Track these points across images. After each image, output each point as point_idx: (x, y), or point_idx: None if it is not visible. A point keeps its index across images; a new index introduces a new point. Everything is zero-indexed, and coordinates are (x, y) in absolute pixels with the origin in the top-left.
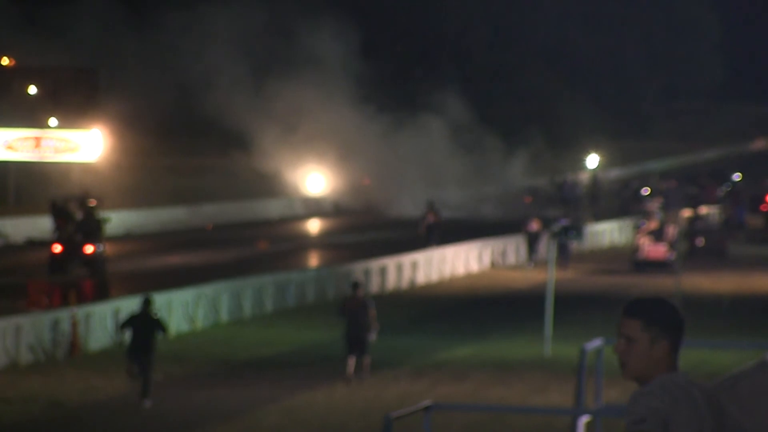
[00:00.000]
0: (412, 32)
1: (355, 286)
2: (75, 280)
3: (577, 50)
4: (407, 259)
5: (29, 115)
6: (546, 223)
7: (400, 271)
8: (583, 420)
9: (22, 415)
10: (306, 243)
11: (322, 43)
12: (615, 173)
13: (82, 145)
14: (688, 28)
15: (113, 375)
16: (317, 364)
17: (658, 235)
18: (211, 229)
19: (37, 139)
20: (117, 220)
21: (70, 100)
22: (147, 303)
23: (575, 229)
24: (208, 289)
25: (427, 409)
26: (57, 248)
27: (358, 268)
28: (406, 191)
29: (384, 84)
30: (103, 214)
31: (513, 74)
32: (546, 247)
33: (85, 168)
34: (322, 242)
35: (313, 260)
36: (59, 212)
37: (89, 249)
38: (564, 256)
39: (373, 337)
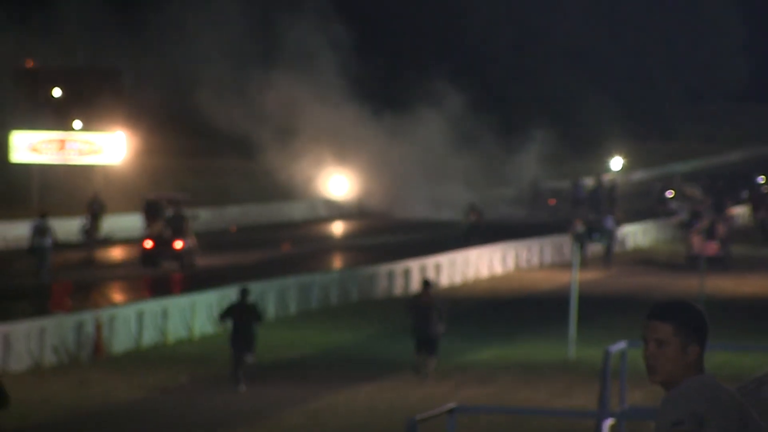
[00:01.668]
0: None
1: (426, 283)
2: (165, 273)
3: (599, 51)
4: (431, 261)
5: (53, 118)
6: (589, 225)
7: (424, 273)
8: (608, 423)
9: (45, 418)
10: (329, 245)
11: (315, 40)
12: (638, 175)
13: (106, 147)
14: (712, 29)
15: (137, 377)
16: (341, 366)
17: (709, 233)
18: (235, 231)
19: (62, 142)
20: (138, 222)
21: (94, 102)
22: (244, 293)
23: (599, 231)
24: (231, 291)
25: (451, 411)
26: (148, 243)
27: (381, 270)
28: (413, 193)
29: (383, 82)
30: (192, 211)
31: (532, 74)
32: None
33: (108, 170)
34: (345, 244)
35: (337, 262)
36: (151, 209)
37: (178, 244)
38: (607, 258)
39: (440, 333)
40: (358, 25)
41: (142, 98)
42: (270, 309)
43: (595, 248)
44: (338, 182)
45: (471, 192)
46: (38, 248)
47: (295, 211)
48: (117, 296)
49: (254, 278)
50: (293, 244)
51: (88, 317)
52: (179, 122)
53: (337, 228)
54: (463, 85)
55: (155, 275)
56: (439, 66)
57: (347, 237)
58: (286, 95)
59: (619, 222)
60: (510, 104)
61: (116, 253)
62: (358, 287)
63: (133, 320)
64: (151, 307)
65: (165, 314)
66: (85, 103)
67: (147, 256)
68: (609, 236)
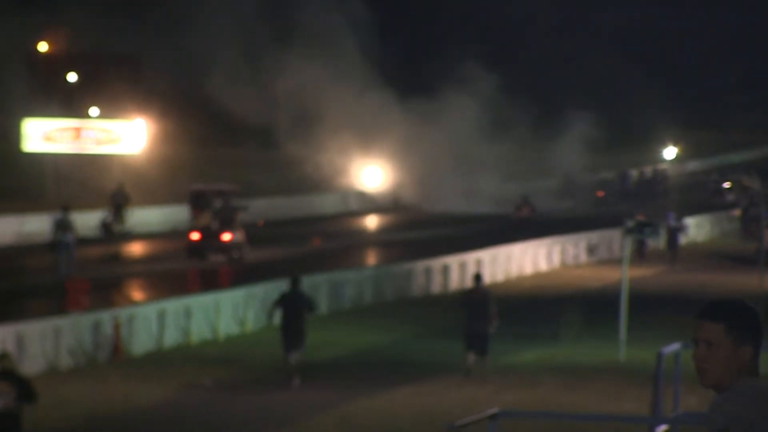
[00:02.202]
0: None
1: (477, 278)
2: (212, 266)
3: (649, 31)
4: (471, 257)
5: (68, 104)
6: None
7: (464, 270)
8: (660, 429)
9: (61, 422)
10: (362, 240)
11: (334, 19)
12: (692, 166)
13: (125, 135)
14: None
15: (158, 380)
16: (375, 368)
17: None
18: (262, 226)
19: (77, 130)
20: (162, 216)
21: (112, 89)
22: (296, 282)
23: (651, 226)
24: (258, 289)
25: (493, 417)
26: (195, 236)
27: (418, 266)
28: (446, 184)
29: (408, 64)
30: (241, 202)
31: (573, 55)
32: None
33: (128, 161)
34: (379, 239)
35: (370, 258)
36: (197, 200)
37: (226, 236)
38: (641, 252)
39: (491, 330)
40: (379, 3)
41: (155, 84)
42: None
43: (651, 244)
44: (371, 173)
45: (507, 183)
46: (60, 244)
47: (325, 204)
48: (137, 294)
49: (283, 275)
50: (324, 239)
51: (106, 317)
52: (194, 109)
53: (371, 222)
54: (495, 66)
55: (203, 268)
56: (469, 46)
57: (381, 231)
58: (306, 80)
59: (681, 216)
60: (548, 87)
61: (136, 248)
62: (394, 285)
63: (153, 320)
64: (173, 305)
65: (188, 313)
66: (102, 89)
67: (194, 249)
68: (672, 231)
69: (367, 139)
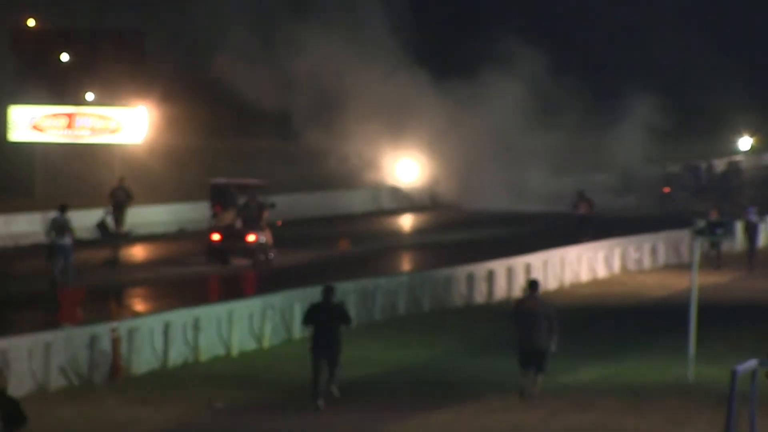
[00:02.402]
0: None
1: (532, 285)
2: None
3: (728, 5)
4: (519, 262)
5: (60, 88)
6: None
7: (511, 276)
8: None
9: None
10: (396, 242)
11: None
12: None
13: (125, 124)
14: None
15: (162, 402)
16: (410, 388)
17: None
18: (281, 226)
19: (70, 117)
20: (168, 215)
21: (110, 70)
22: (328, 291)
23: (724, 226)
24: (277, 299)
25: None
26: (215, 236)
27: (459, 272)
28: (488, 179)
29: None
30: (268, 198)
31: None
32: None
33: (128, 152)
34: (415, 242)
35: (405, 263)
36: (218, 196)
37: (251, 237)
38: (749, 257)
39: (552, 348)
40: None
41: (159, 65)
42: None
43: (725, 246)
44: (405, 167)
45: (557, 177)
46: (57, 247)
47: (353, 201)
48: (139, 305)
49: (306, 283)
50: (352, 242)
51: (103, 330)
52: (202, 94)
53: (405, 222)
54: (543, 43)
55: (224, 273)
56: (513, 19)
57: (417, 233)
58: (327, 59)
59: (762, 214)
60: (605, 67)
61: (139, 252)
62: (431, 294)
63: (158, 334)
64: (180, 317)
65: (196, 326)
66: (98, 70)
67: (214, 251)
68: (753, 229)
69: (399, 127)
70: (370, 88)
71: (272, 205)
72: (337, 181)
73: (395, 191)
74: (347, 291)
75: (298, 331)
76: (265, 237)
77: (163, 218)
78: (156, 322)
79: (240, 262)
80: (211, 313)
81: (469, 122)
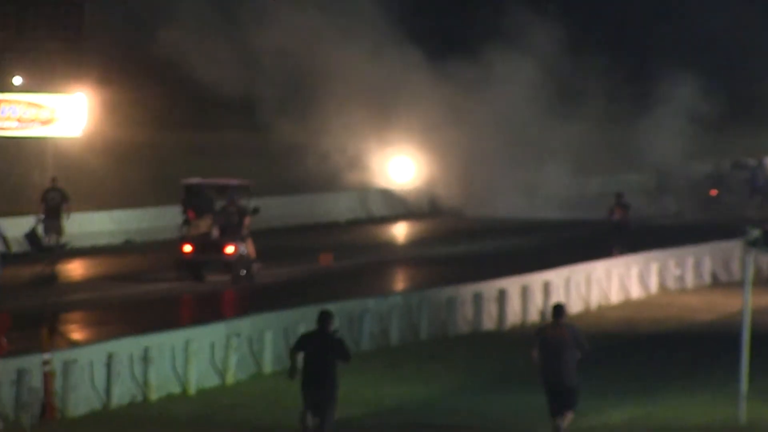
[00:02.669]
0: None
1: (558, 310)
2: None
3: None
4: (536, 279)
5: None
6: None
7: (526, 296)
8: None
9: None
10: (388, 256)
11: None
12: None
13: (60, 113)
14: None
15: None
16: None
17: None
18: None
19: None
20: (112, 223)
21: (41, 49)
22: (324, 318)
23: None
24: (244, 325)
25: None
26: (187, 247)
27: (465, 292)
28: (497, 180)
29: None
30: (251, 202)
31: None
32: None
33: (63, 147)
34: (410, 255)
35: (399, 281)
36: (192, 200)
37: (230, 249)
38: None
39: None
40: None
41: (101, 44)
42: None
43: None
44: (399, 166)
45: (580, 178)
46: None
47: (336, 206)
48: (77, 332)
49: (279, 305)
50: (336, 255)
51: (33, 363)
52: (152, 78)
53: (400, 231)
54: (561, 15)
55: (196, 291)
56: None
57: (414, 244)
58: (299, 35)
59: None
60: (638, 44)
61: (77, 267)
62: (431, 318)
63: (99, 367)
64: (127, 347)
65: (146, 358)
66: (28, 50)
67: (186, 265)
68: None
69: (388, 118)
70: (352, 71)
71: (255, 211)
72: (317, 182)
73: (387, 194)
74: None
75: (270, 363)
76: (246, 248)
77: (106, 227)
78: (97, 353)
79: (217, 277)
80: (164, 343)
81: (473, 111)
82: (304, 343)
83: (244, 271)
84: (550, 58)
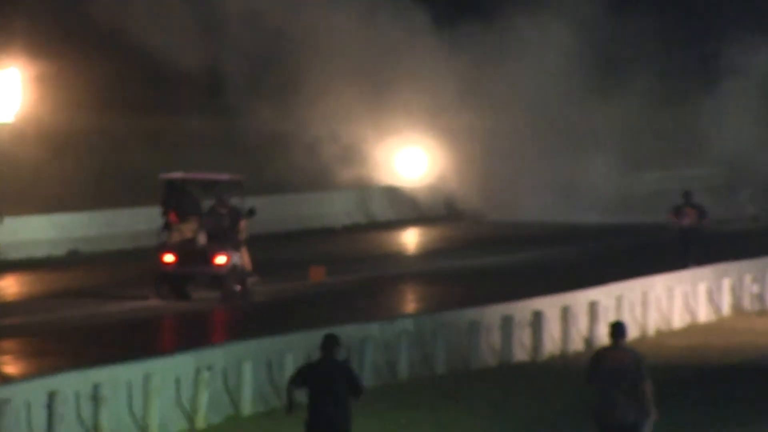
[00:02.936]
0: None
1: (618, 329)
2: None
3: None
4: (580, 299)
5: None
6: None
7: (568, 320)
8: None
9: None
10: (395, 270)
11: None
12: None
13: None
14: None
15: None
16: None
17: None
18: None
19: None
20: (54, 229)
21: None
22: (331, 345)
23: None
24: (217, 356)
25: None
26: (168, 257)
27: (491, 315)
28: (526, 177)
29: None
30: (245, 203)
31: None
32: None
33: None
34: (423, 269)
35: (409, 302)
36: (174, 199)
37: (220, 259)
38: None
39: (648, 426)
40: None
41: (38, 8)
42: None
43: None
44: (407, 159)
45: (629, 174)
46: None
47: (330, 209)
48: (10, 366)
49: (259, 331)
50: (329, 269)
51: None
52: (99, 51)
53: (409, 239)
54: None
55: (178, 310)
56: None
57: (427, 255)
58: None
59: None
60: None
61: (10, 284)
62: (448, 347)
63: (38, 408)
64: (73, 383)
65: (97, 397)
66: None
67: (167, 279)
68: None
69: (386, 99)
70: (341, 39)
71: (251, 212)
72: (303, 178)
73: (392, 194)
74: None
75: (250, 403)
76: (240, 258)
77: (45, 234)
78: (36, 391)
79: (203, 294)
80: (118, 377)
81: (493, 90)
82: (306, 375)
83: (238, 287)
84: (589, 21)
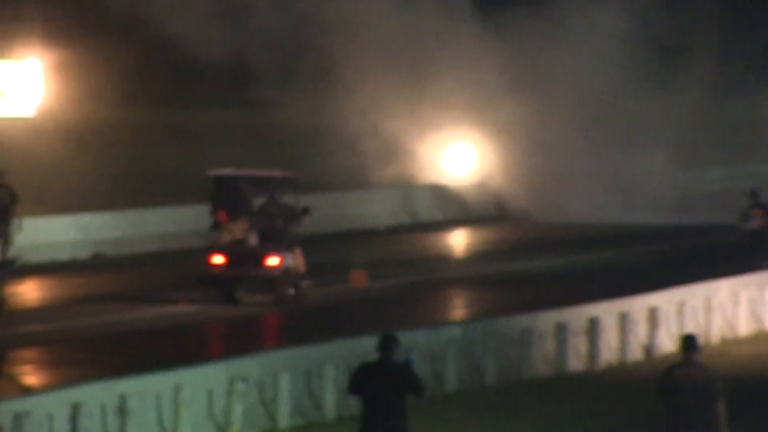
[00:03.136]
0: None
1: (690, 342)
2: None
3: None
4: (639, 304)
5: None
6: None
7: (626, 327)
8: None
9: None
10: (442, 274)
11: None
12: None
13: (8, 87)
14: None
15: None
16: None
17: None
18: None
19: None
20: (75, 231)
21: None
22: (387, 343)
23: None
24: (252, 366)
25: None
26: (217, 259)
27: (544, 322)
28: (577, 175)
29: None
30: (298, 200)
31: None
32: None
33: (12, 131)
34: (470, 273)
35: (456, 308)
36: (224, 197)
37: (272, 261)
38: None
39: None
40: None
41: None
42: (327, 398)
43: None
44: (455, 156)
45: (691, 171)
46: None
47: (372, 209)
48: (32, 376)
49: (297, 339)
50: (371, 273)
51: None
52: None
53: (457, 241)
54: None
55: (225, 316)
56: None
57: (476, 258)
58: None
59: None
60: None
61: (30, 290)
62: (499, 357)
63: (61, 421)
64: (98, 395)
65: (124, 409)
66: None
67: (215, 281)
68: None
69: (426, 90)
70: (376, 25)
71: (305, 211)
72: (340, 176)
73: (438, 193)
74: (365, 351)
75: (287, 415)
76: (293, 260)
77: (68, 236)
78: (59, 402)
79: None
80: (146, 388)
81: (540, 80)
82: (363, 377)
83: (292, 290)
84: (643, 6)
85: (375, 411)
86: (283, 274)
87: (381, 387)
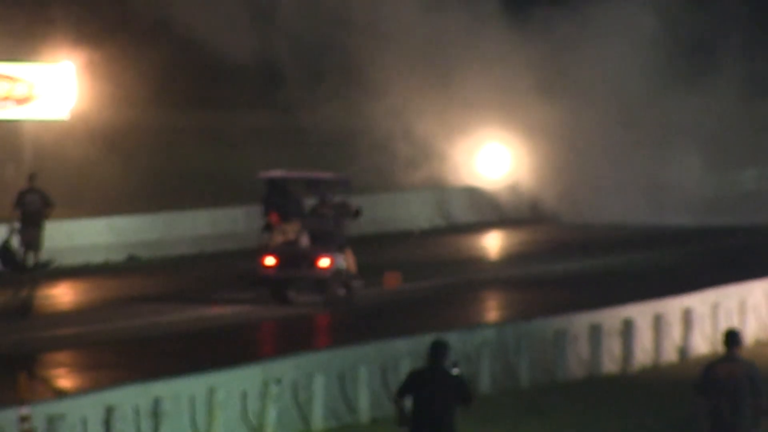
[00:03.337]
0: None
1: (733, 338)
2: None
3: None
4: (673, 306)
5: None
6: None
7: (660, 329)
8: None
9: None
10: (475, 276)
11: None
12: None
13: (41, 90)
14: None
15: None
16: None
17: None
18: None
19: None
20: (109, 234)
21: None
22: (437, 350)
23: None
24: (286, 368)
25: None
26: (269, 260)
27: (578, 324)
28: (607, 177)
29: None
30: (350, 201)
31: None
32: None
33: (45, 133)
34: (504, 275)
35: (490, 310)
36: (276, 199)
37: (324, 262)
38: None
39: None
40: None
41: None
42: (361, 400)
43: None
44: (486, 157)
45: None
46: None
47: (406, 211)
48: (64, 379)
49: (332, 341)
50: (405, 275)
51: (8, 418)
52: (154, 46)
53: (491, 243)
54: None
55: (275, 316)
56: None
57: (509, 260)
58: None
59: None
60: None
61: (64, 293)
62: (533, 358)
63: (95, 424)
64: (131, 397)
65: (157, 412)
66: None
67: (267, 282)
68: None
69: (457, 92)
70: (403, 25)
71: (357, 213)
72: (373, 178)
73: (473, 195)
74: (398, 353)
75: (321, 418)
76: (344, 261)
77: (102, 239)
78: (92, 405)
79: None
80: (180, 391)
81: (571, 80)
82: (414, 382)
83: (343, 290)
84: (673, 5)
85: (427, 415)
86: (334, 275)
87: (430, 395)
